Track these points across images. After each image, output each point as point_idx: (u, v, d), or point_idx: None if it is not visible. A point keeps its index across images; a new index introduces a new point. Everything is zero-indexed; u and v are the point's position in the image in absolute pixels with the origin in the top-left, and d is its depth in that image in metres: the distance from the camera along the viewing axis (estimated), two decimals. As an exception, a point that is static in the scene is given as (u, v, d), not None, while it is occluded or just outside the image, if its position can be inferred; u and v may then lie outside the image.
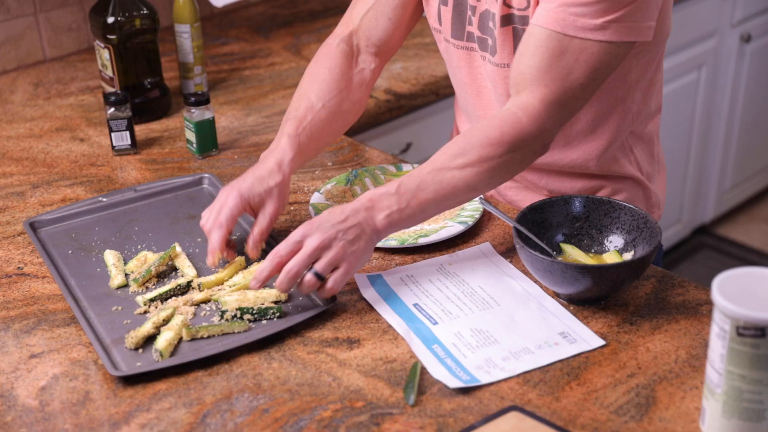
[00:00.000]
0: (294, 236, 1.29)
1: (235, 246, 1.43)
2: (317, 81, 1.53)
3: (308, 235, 1.29)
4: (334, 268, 1.29)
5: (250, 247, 1.40)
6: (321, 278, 1.29)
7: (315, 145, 1.51)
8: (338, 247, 1.28)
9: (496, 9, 1.43)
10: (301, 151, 1.47)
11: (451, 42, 1.54)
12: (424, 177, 1.33)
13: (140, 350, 1.26)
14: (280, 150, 1.45)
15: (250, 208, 1.42)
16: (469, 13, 1.48)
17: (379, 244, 1.45)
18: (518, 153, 1.35)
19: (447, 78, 2.15)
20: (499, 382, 1.19)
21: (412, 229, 1.50)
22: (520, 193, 1.63)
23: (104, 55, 1.90)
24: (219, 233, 1.37)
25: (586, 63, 1.33)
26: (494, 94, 1.52)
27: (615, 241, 1.37)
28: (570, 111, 1.37)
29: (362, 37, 1.58)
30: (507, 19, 1.42)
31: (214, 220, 1.39)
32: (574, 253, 1.36)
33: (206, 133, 1.76)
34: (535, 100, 1.34)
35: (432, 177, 1.33)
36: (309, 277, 1.28)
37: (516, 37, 1.42)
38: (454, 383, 1.17)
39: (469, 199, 1.36)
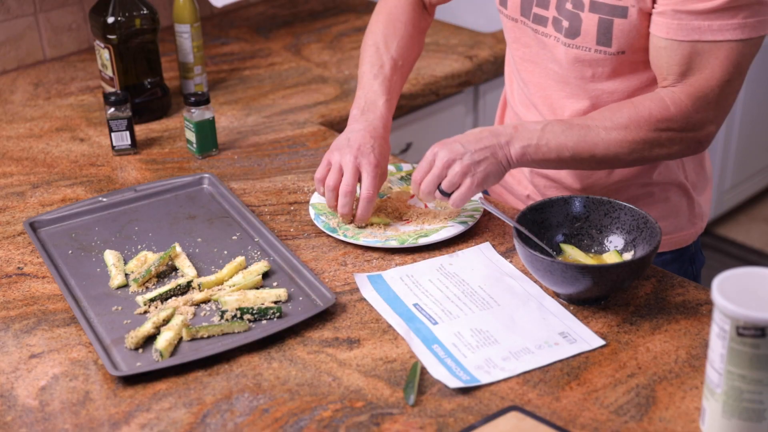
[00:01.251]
0: (429, 153, 1.40)
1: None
2: (397, 36, 1.60)
3: (438, 153, 1.39)
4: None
5: (362, 208, 1.47)
6: (447, 195, 1.39)
7: (396, 100, 1.59)
8: (463, 165, 1.37)
9: None
10: (391, 109, 1.55)
11: (519, 20, 1.52)
12: (572, 124, 1.38)
13: (140, 350, 1.26)
14: (378, 111, 1.52)
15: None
16: None
17: (379, 244, 1.45)
18: (663, 134, 1.37)
19: (447, 78, 2.15)
20: (499, 382, 1.19)
21: (412, 228, 1.50)
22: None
23: (104, 55, 1.90)
24: (351, 199, 1.46)
25: (726, 61, 1.33)
26: (558, 75, 1.51)
27: (615, 241, 1.37)
28: (722, 107, 1.38)
29: None
30: (595, 7, 1.40)
31: (345, 186, 1.45)
32: (573, 253, 1.36)
33: (206, 133, 1.76)
34: (682, 95, 1.36)
35: (579, 128, 1.38)
36: (437, 194, 1.40)
37: (601, 27, 1.40)
38: (454, 383, 1.17)
39: (603, 166, 1.42)
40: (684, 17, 1.32)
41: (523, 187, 1.64)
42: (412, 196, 1.59)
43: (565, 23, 1.44)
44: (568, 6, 1.43)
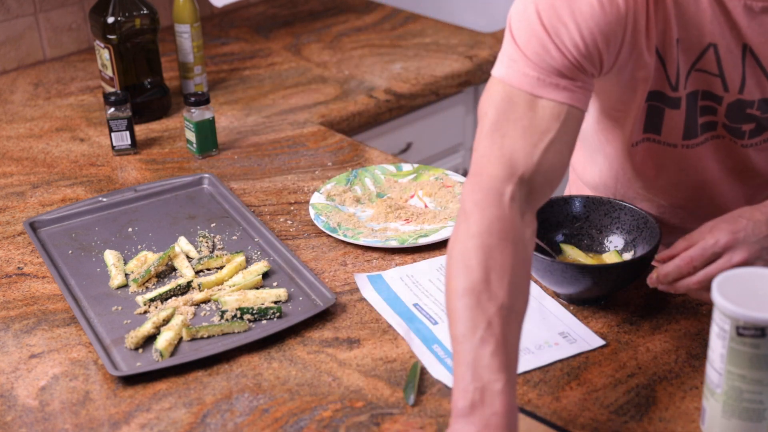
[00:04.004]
0: (711, 243, 1.14)
1: None
2: (506, 273, 1.04)
3: (731, 249, 1.14)
4: None
5: None
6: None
7: (516, 367, 1.03)
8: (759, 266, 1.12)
9: (758, 94, 1.23)
10: (514, 391, 1.00)
11: (681, 145, 1.30)
12: None
13: (140, 350, 1.26)
14: (496, 404, 0.97)
15: None
16: (704, 103, 1.26)
17: (379, 244, 1.45)
18: None
19: (447, 78, 2.15)
20: (499, 382, 1.18)
21: (412, 228, 1.50)
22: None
23: (104, 55, 1.90)
24: None
25: None
26: (749, 172, 1.34)
27: (615, 241, 1.37)
28: None
29: (539, 182, 1.12)
30: None
31: None
32: (573, 254, 1.36)
33: (206, 133, 1.76)
34: None
35: None
36: (708, 292, 1.15)
37: None
38: (454, 383, 1.17)
39: None
40: None
41: None
42: (412, 196, 1.59)
43: (748, 126, 1.27)
44: (753, 112, 1.25)
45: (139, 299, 1.36)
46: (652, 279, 1.20)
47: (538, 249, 1.34)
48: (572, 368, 1.20)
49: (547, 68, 1.11)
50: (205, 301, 1.36)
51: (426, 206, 1.57)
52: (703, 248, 1.15)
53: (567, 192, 1.58)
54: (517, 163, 1.10)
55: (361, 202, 1.59)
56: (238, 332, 1.29)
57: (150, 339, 1.28)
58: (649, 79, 1.21)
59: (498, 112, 1.12)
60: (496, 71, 1.15)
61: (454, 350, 1.01)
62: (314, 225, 1.53)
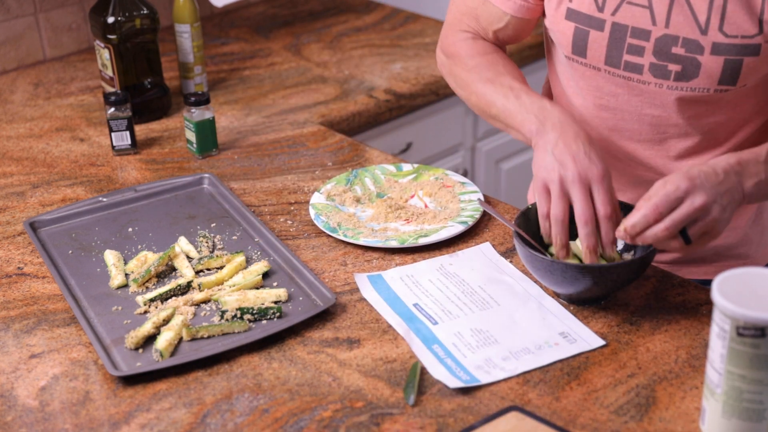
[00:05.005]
0: (672, 189, 1.18)
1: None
2: (507, 70, 1.42)
3: (691, 193, 1.18)
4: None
5: (604, 230, 1.24)
6: (688, 241, 1.20)
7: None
8: (716, 212, 1.19)
9: (697, 35, 1.28)
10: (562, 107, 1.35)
11: (603, 69, 1.38)
12: None
13: (140, 350, 1.26)
14: (555, 112, 1.30)
15: None
16: (632, 40, 1.33)
17: (379, 244, 1.45)
18: None
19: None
20: (499, 382, 1.19)
21: (412, 228, 1.50)
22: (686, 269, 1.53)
23: (104, 55, 1.90)
24: (592, 227, 1.24)
25: None
26: (659, 118, 1.39)
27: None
28: None
29: (505, 37, 1.49)
30: (719, 49, 1.28)
31: (582, 214, 1.23)
32: (576, 250, 1.35)
33: (206, 133, 1.76)
34: None
35: None
36: (675, 241, 1.20)
37: (727, 68, 1.29)
38: (454, 383, 1.17)
39: None
40: None
41: None
42: (413, 196, 1.59)
43: (674, 67, 1.31)
44: (678, 51, 1.30)
45: (139, 299, 1.36)
46: (619, 232, 1.22)
47: (540, 248, 1.34)
48: (572, 368, 1.20)
49: None
50: (205, 301, 1.36)
51: (426, 206, 1.57)
52: (666, 194, 1.18)
53: None
54: (477, 30, 1.48)
55: (361, 202, 1.59)
56: (238, 332, 1.29)
57: (150, 339, 1.28)
58: None
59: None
60: None
61: (504, 116, 1.37)
62: (314, 225, 1.53)
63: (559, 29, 1.38)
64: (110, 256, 1.44)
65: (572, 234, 1.39)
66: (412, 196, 1.59)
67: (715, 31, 1.27)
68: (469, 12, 1.49)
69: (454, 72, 1.50)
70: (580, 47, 1.37)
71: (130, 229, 1.54)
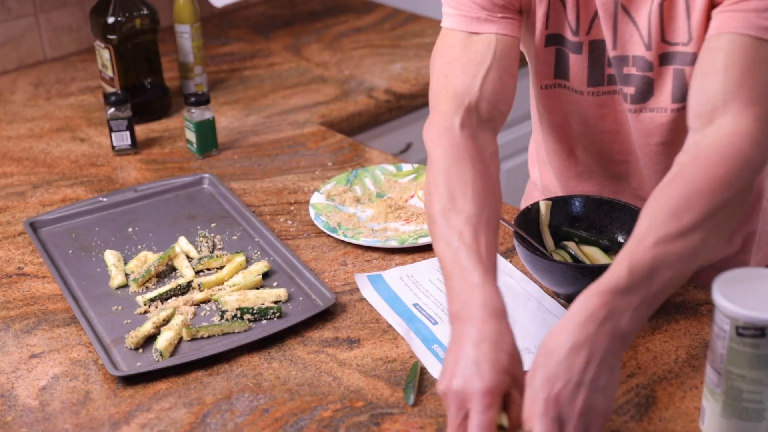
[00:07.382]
0: (547, 418, 0.95)
1: None
2: (467, 186, 1.14)
3: (565, 421, 0.96)
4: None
5: None
6: None
7: (495, 258, 1.12)
8: (598, 407, 0.97)
9: (643, 51, 1.26)
10: (494, 280, 1.08)
11: (586, 92, 1.33)
12: (655, 254, 1.02)
13: (140, 350, 1.26)
14: (475, 302, 1.05)
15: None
16: (609, 54, 1.29)
17: (379, 244, 1.45)
18: (745, 188, 1.10)
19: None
20: (499, 382, 1.18)
21: (412, 228, 1.50)
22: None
23: (104, 55, 1.91)
24: None
25: None
26: (634, 139, 1.35)
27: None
28: None
29: (485, 108, 1.24)
30: (666, 59, 1.25)
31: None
32: (592, 253, 1.35)
33: (206, 133, 1.76)
34: (747, 120, 1.10)
35: (661, 251, 1.02)
36: None
37: (676, 78, 1.25)
38: (454, 383, 1.17)
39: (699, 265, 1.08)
40: (754, 15, 1.16)
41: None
42: (412, 196, 1.59)
43: (629, 90, 1.29)
44: (630, 70, 1.27)
45: (140, 299, 1.36)
46: None
47: (540, 248, 1.34)
48: (572, 368, 1.20)
49: (473, 8, 1.26)
50: (205, 301, 1.36)
51: None
52: (543, 424, 0.96)
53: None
54: (462, 96, 1.23)
55: (361, 202, 1.59)
56: (238, 332, 1.29)
57: (150, 339, 1.28)
58: (543, 18, 1.29)
59: (442, 57, 1.28)
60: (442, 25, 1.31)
61: (441, 264, 1.12)
62: (314, 225, 1.53)
63: (541, 56, 1.33)
64: (110, 256, 1.44)
65: (561, 236, 1.38)
66: (412, 196, 1.59)
67: (656, 42, 1.25)
68: (452, 88, 1.26)
69: (428, 163, 1.23)
70: (558, 70, 1.33)
71: (130, 229, 1.54)
